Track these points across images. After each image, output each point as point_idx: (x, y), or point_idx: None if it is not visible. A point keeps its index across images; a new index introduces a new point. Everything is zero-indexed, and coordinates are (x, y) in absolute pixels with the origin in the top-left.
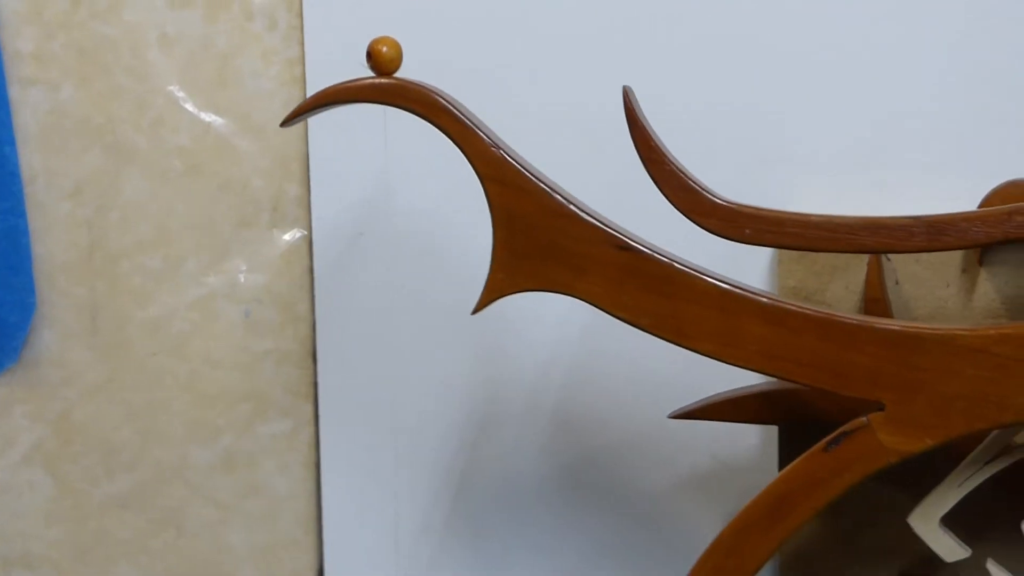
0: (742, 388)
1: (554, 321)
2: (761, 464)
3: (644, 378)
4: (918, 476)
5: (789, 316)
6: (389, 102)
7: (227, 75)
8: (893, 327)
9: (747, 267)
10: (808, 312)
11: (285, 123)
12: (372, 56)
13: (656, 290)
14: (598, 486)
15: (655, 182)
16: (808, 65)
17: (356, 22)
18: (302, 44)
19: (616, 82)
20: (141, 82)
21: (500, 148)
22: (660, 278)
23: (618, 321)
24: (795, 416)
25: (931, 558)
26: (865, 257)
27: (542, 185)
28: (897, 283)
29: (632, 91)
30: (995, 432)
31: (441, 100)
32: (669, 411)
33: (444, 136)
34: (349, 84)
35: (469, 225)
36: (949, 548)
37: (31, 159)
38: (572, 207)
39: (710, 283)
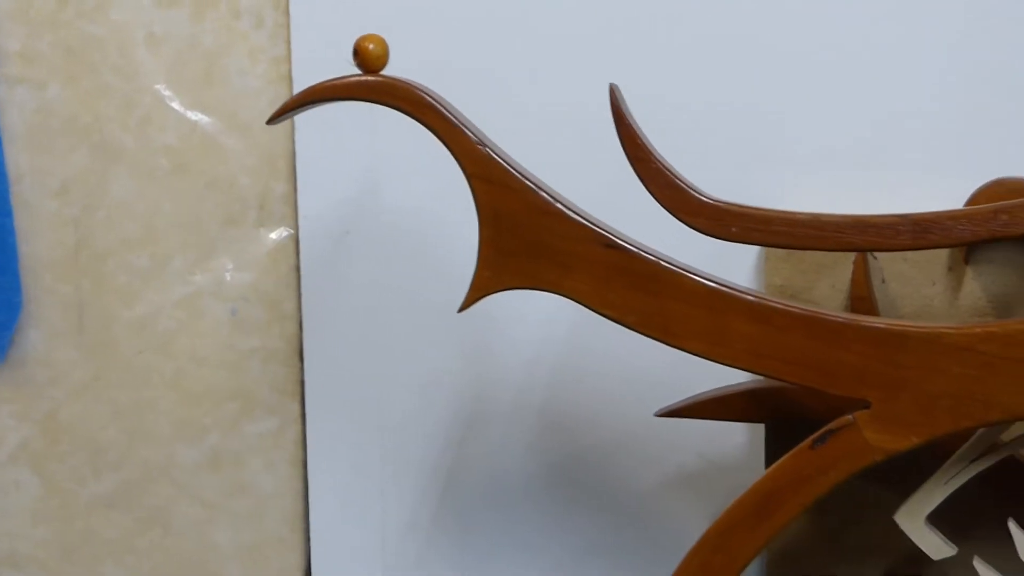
0: (729, 386)
1: (541, 319)
2: (748, 462)
3: (631, 376)
4: (904, 474)
5: (776, 314)
6: (376, 99)
7: (214, 74)
8: (879, 325)
9: (734, 265)
10: (795, 310)
11: (272, 121)
12: (359, 53)
13: (643, 288)
14: (585, 484)
15: (642, 180)
16: (799, 65)
17: (343, 20)
18: (288, 42)
19: (607, 81)
20: (128, 81)
21: (486, 146)
22: (647, 276)
23: (605, 320)
24: (782, 414)
25: (917, 556)
26: (851, 255)
27: (528, 183)
28: (883, 281)
29: (619, 89)
30: (981, 430)
31: (427, 98)
32: (656, 409)
33: (431, 134)
34: (336, 81)
35: (456, 223)
36: (935, 546)
37: (18, 158)
38: (558, 205)
39: (697, 281)
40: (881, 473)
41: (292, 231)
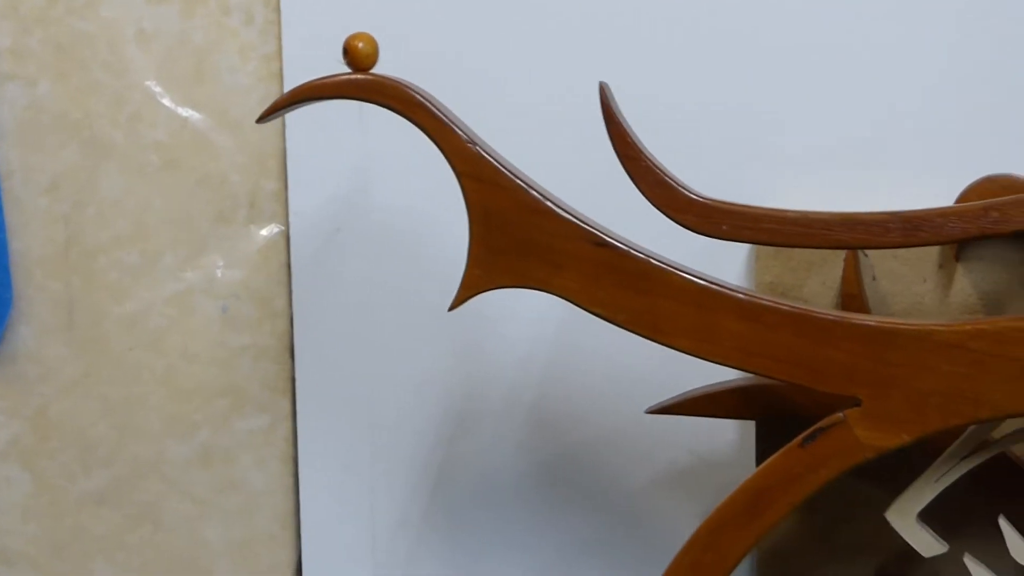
0: (719, 383)
1: (532, 317)
2: (739, 459)
3: (622, 374)
4: (894, 472)
5: (765, 312)
6: (366, 98)
7: (204, 70)
8: (869, 323)
9: (724, 263)
10: (784, 308)
11: (261, 119)
12: (348, 52)
13: (632, 286)
14: (576, 482)
15: (631, 178)
16: (790, 64)
17: (333, 17)
18: (279, 39)
19: (597, 79)
20: (118, 77)
21: (476, 144)
22: (636, 274)
23: (595, 318)
24: (772, 411)
25: (908, 554)
26: (842, 253)
27: (518, 181)
28: (874, 279)
29: (608, 87)
30: (972, 427)
31: (417, 96)
32: (647, 407)
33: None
34: (325, 80)
35: (447, 221)
36: (926, 543)
37: (8, 154)
38: (548, 203)
39: (687, 279)
40: (872, 471)
41: (283, 228)
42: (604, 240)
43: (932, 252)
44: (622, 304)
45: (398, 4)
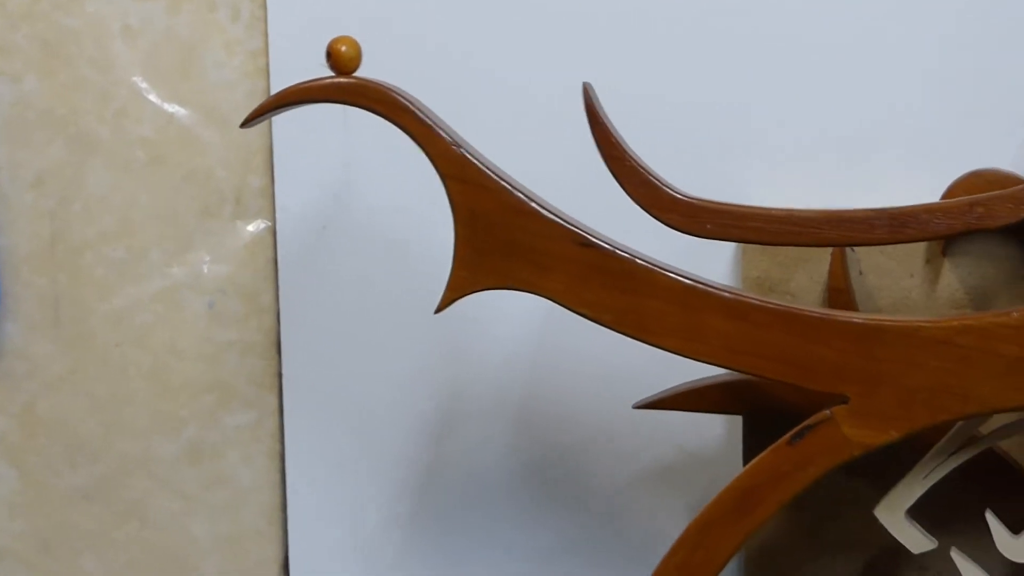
0: (706, 378)
1: (521, 313)
2: (726, 454)
3: (609, 372)
4: (883, 468)
5: (752, 311)
6: (350, 101)
7: (190, 66)
8: (856, 320)
9: (711, 258)
10: (771, 306)
11: (246, 124)
12: (331, 56)
13: (618, 287)
14: (563, 480)
15: (616, 178)
16: (776, 60)
17: (319, 13)
18: (265, 35)
19: (581, 78)
20: (104, 73)
21: (461, 147)
22: (622, 274)
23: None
24: (759, 405)
25: (896, 550)
26: (829, 248)
27: (503, 183)
28: (861, 273)
29: (592, 88)
30: (959, 423)
31: (401, 99)
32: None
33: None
34: (309, 84)
35: (435, 216)
36: (915, 540)
37: None
38: (534, 204)
39: (673, 279)
40: (860, 467)
41: (269, 224)
42: (589, 241)
43: (919, 247)
44: (608, 304)
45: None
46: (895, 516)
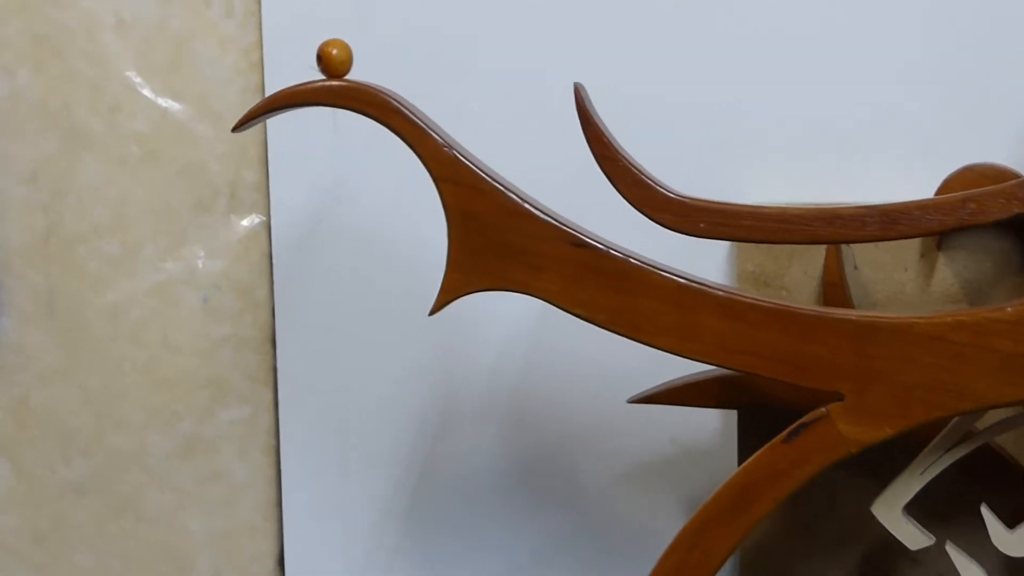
0: (701, 372)
1: (516, 306)
2: (721, 448)
3: (602, 370)
4: (878, 463)
5: (747, 309)
6: (340, 104)
7: (183, 60)
8: (851, 317)
9: (706, 252)
10: (766, 305)
11: (237, 128)
12: (322, 59)
13: (612, 286)
14: (558, 477)
15: (609, 178)
16: (766, 54)
17: (313, 7)
18: (259, 29)
19: (570, 77)
20: (97, 67)
21: (453, 148)
22: (616, 274)
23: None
24: (754, 399)
25: (891, 544)
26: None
27: (496, 184)
28: (856, 267)
29: (583, 88)
30: (956, 419)
31: (393, 102)
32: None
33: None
34: (299, 88)
35: (430, 211)
36: (913, 536)
37: None
38: (527, 205)
39: (667, 278)
40: (855, 462)
41: (264, 218)
42: (583, 241)
43: (914, 241)
44: (602, 304)
45: None
46: (892, 513)
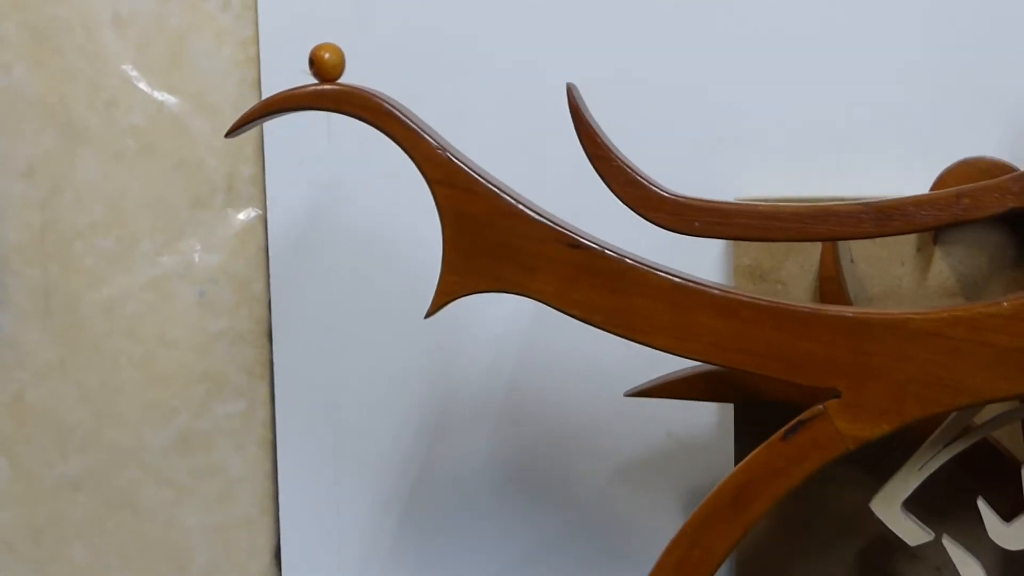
0: (697, 366)
1: (511, 304)
2: (718, 442)
3: (597, 367)
4: (876, 460)
5: (742, 307)
6: (334, 108)
7: (181, 55)
8: (846, 314)
9: (702, 247)
10: (761, 303)
11: (231, 133)
12: (315, 63)
13: (608, 286)
14: (555, 474)
15: (603, 178)
16: (762, 51)
17: (311, 3)
18: (256, 24)
19: (564, 76)
20: (94, 62)
21: (447, 151)
22: (612, 274)
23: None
24: (751, 393)
25: (889, 539)
26: None
27: (491, 186)
28: (852, 261)
29: (576, 88)
30: (953, 414)
31: (386, 105)
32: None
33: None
34: (293, 92)
35: (426, 206)
36: (912, 532)
37: None
38: (521, 206)
39: (662, 277)
40: (852, 458)
41: (260, 212)
42: (578, 241)
43: (910, 236)
44: (598, 304)
45: None
46: (891, 509)
